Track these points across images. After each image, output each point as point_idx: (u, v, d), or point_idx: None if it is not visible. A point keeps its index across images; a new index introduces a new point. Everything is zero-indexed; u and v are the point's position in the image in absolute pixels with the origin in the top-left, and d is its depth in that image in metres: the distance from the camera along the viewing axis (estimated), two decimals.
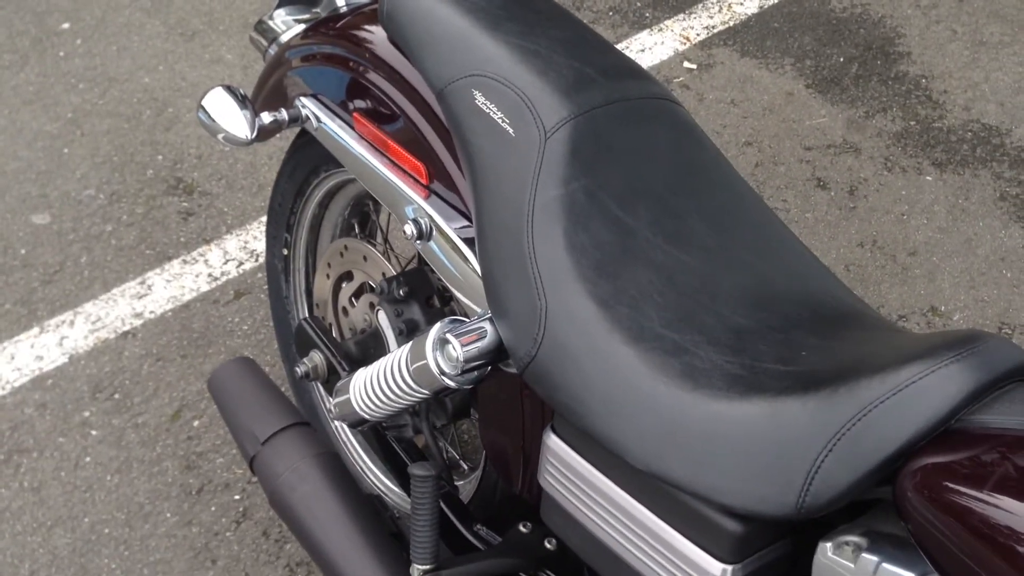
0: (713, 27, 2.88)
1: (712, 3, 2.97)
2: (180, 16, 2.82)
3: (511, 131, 1.17)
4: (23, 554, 1.74)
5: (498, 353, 1.14)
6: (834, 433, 0.92)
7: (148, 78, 2.63)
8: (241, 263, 2.22)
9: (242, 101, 1.43)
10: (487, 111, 1.19)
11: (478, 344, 1.12)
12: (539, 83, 1.18)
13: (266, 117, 1.43)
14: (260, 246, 2.25)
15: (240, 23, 2.81)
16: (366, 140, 1.37)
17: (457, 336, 1.12)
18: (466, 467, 1.69)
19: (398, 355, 1.22)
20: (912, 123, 2.60)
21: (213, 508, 1.82)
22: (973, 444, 0.88)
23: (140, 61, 2.68)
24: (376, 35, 1.39)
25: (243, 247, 2.25)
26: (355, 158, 1.37)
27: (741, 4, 2.96)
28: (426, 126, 1.29)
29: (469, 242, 1.22)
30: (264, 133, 1.43)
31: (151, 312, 2.12)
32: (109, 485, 1.84)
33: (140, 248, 2.24)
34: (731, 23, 2.89)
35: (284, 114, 1.45)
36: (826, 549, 0.95)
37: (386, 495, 1.72)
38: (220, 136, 1.43)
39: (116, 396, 1.98)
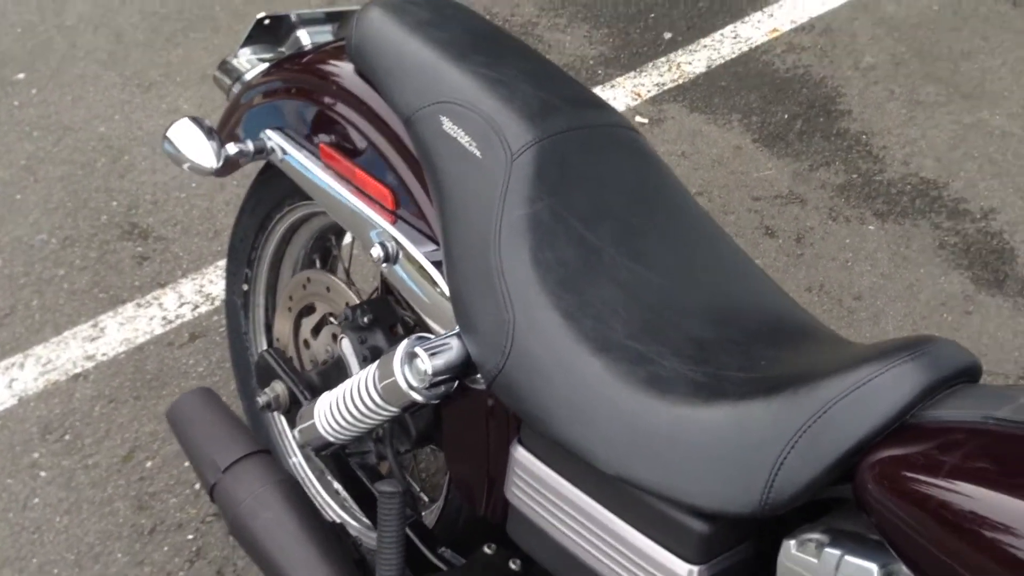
0: (663, 84, 2.98)
1: (662, 62, 3.07)
2: (137, 68, 2.84)
3: (478, 154, 1.20)
4: None
5: (464, 368, 1.16)
6: (795, 431, 0.95)
7: (104, 127, 2.64)
8: (196, 306, 2.21)
9: (208, 132, 1.44)
10: (454, 135, 1.22)
11: (445, 358, 1.14)
12: (505, 109, 1.22)
13: (231, 148, 1.45)
14: (216, 290, 2.25)
15: (198, 75, 2.84)
16: (332, 169, 1.40)
17: (426, 350, 1.14)
18: (426, 499, 1.68)
19: (365, 374, 1.23)
20: (854, 176, 2.70)
21: (166, 548, 1.78)
22: (928, 437, 0.91)
23: (96, 111, 2.69)
24: (342, 68, 1.42)
25: (199, 291, 2.25)
26: (321, 187, 1.39)
27: (689, 64, 3.07)
28: (393, 154, 1.32)
29: (436, 265, 1.25)
30: (229, 164, 1.45)
31: (103, 354, 2.10)
32: (58, 526, 1.80)
33: (93, 292, 2.22)
34: (680, 81, 2.99)
35: (250, 145, 1.47)
36: (790, 547, 0.98)
37: (347, 526, 1.71)
38: (186, 166, 1.44)
39: (67, 437, 1.94)
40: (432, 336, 1.18)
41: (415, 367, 1.15)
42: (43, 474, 1.88)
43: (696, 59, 3.11)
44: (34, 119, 2.64)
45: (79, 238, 2.33)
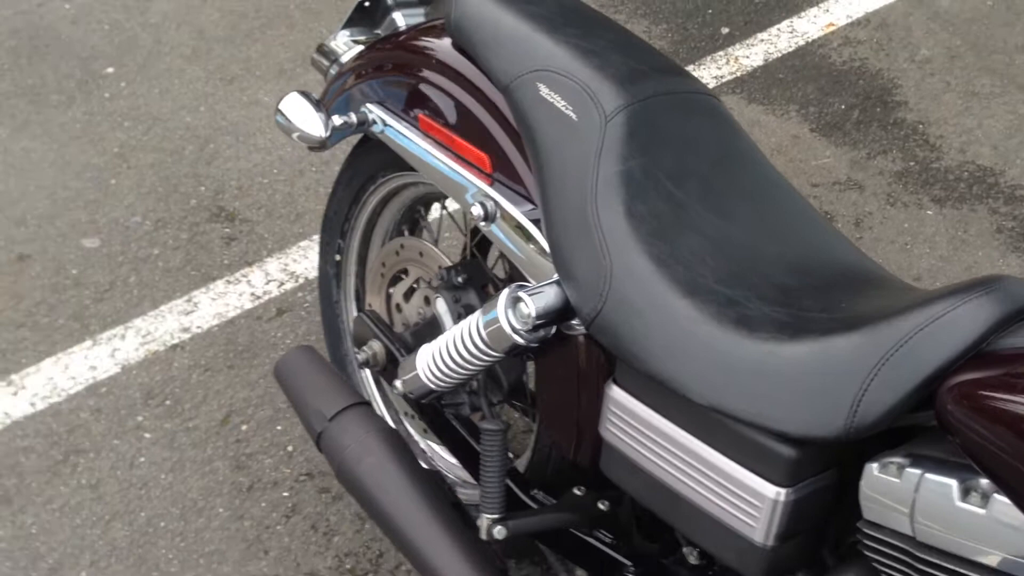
0: (721, 77, 3.06)
1: (720, 56, 3.15)
2: (219, 63, 2.98)
3: (574, 117, 1.30)
4: (83, 545, 1.81)
5: (562, 314, 1.26)
6: (878, 360, 1.03)
7: (190, 117, 2.78)
8: (282, 283, 2.33)
9: (316, 104, 1.56)
10: (551, 100, 1.32)
11: (546, 302, 1.24)
12: (598, 76, 1.32)
13: (337, 120, 1.56)
14: (300, 268, 2.37)
15: (276, 70, 2.97)
16: (431, 138, 1.50)
17: (528, 295, 1.23)
18: (511, 456, 1.78)
19: (468, 321, 1.33)
20: (911, 163, 2.76)
21: (263, 504, 1.90)
22: (1003, 362, 0.99)
23: (182, 102, 2.83)
24: (438, 44, 1.53)
25: (283, 269, 2.37)
26: (421, 154, 1.50)
27: (747, 57, 3.15)
28: (491, 120, 1.42)
29: (532, 223, 1.34)
30: (335, 133, 1.56)
31: (198, 327, 2.22)
32: (163, 483, 1.92)
33: (186, 269, 2.35)
34: (738, 73, 3.07)
35: (353, 118, 1.57)
36: (872, 469, 1.06)
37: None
38: (295, 135, 1.55)
39: (167, 403, 2.07)
40: (533, 284, 1.28)
41: (519, 311, 1.25)
42: (147, 435, 2.01)
43: (753, 53, 3.18)
44: (124, 110, 2.79)
45: (171, 220, 2.47)
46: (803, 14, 3.35)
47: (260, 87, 2.90)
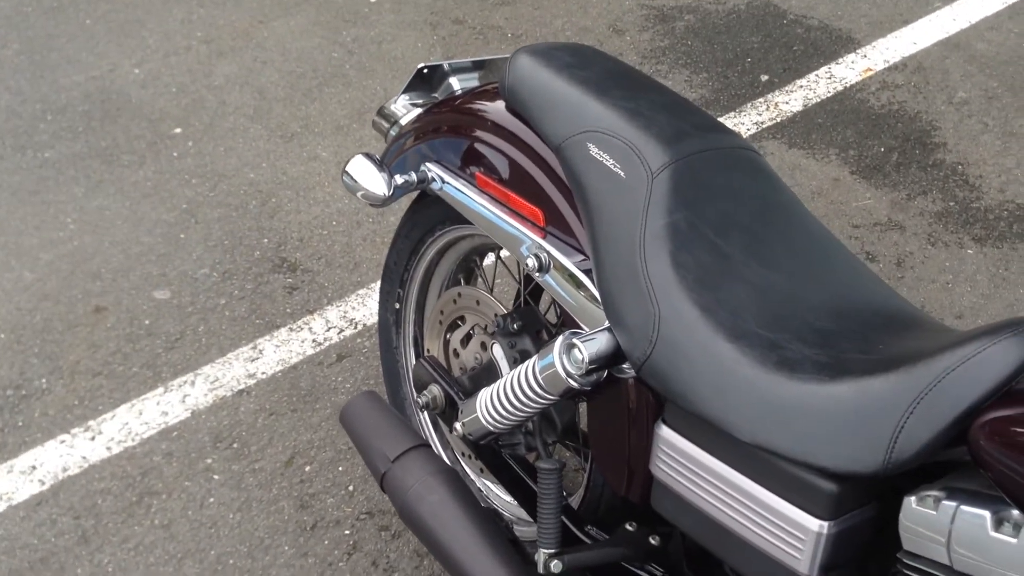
0: (762, 123, 3.14)
1: (760, 102, 3.24)
2: (279, 121, 3.13)
3: (622, 174, 1.39)
4: None
5: (613, 358, 1.34)
6: (913, 399, 1.10)
7: (253, 174, 2.92)
8: (342, 330, 2.44)
9: (379, 165, 1.67)
10: (600, 159, 1.42)
11: (598, 348, 1.32)
12: (644, 135, 1.41)
13: (399, 179, 1.67)
14: (358, 315, 2.47)
15: (333, 126, 3.11)
16: (487, 194, 1.60)
17: (582, 341, 1.32)
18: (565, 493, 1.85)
19: (524, 367, 1.42)
20: (951, 204, 2.82)
21: (326, 542, 1.99)
22: None
23: (245, 159, 2.97)
24: (492, 107, 1.64)
25: (343, 316, 2.48)
26: (479, 210, 1.60)
27: (786, 103, 3.23)
28: (543, 177, 1.52)
29: (583, 273, 1.43)
30: (397, 191, 1.67)
31: (263, 373, 2.33)
32: (232, 522, 2.02)
33: (251, 318, 2.47)
34: (778, 119, 3.15)
35: (413, 176, 1.68)
36: (911, 502, 1.12)
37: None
38: (360, 194, 1.66)
39: (235, 445, 2.17)
40: (586, 330, 1.36)
41: (573, 356, 1.33)
42: (216, 477, 2.11)
43: (793, 99, 3.27)
44: (192, 168, 2.94)
45: (236, 271, 2.59)
46: (841, 60, 3.43)
47: (318, 143, 3.03)
